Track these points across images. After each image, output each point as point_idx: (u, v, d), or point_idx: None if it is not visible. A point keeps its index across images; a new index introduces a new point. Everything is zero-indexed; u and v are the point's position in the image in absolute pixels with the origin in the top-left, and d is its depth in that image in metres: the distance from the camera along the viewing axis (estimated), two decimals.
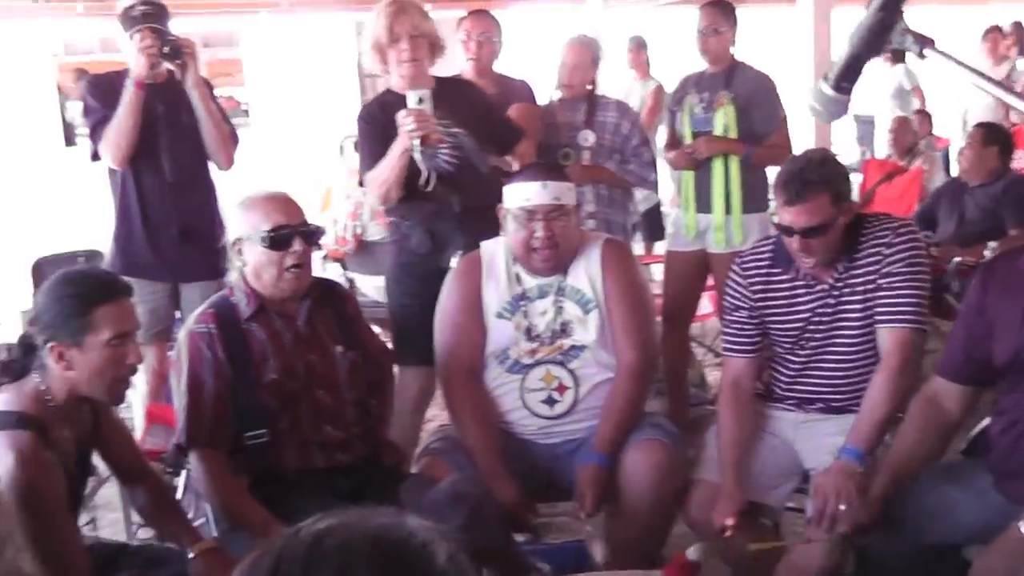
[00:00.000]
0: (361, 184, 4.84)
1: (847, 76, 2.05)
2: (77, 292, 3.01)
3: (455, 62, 5.42)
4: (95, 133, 4.92)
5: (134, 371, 3.17)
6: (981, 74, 1.87)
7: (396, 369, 4.57)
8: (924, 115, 9.90)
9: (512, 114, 5.07)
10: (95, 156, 4.96)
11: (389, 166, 4.44)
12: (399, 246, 4.74)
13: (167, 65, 4.87)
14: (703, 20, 5.56)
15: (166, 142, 4.92)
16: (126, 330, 3.04)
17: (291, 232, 3.49)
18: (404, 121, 4.37)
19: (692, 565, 3.12)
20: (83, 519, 3.29)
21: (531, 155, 5.01)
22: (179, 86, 4.90)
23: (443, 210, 4.56)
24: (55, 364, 2.98)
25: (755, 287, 3.74)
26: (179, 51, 4.82)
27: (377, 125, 4.56)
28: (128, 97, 4.79)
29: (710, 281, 5.84)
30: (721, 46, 5.56)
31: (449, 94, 4.62)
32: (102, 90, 4.98)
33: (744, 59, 5.66)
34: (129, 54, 4.82)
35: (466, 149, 4.51)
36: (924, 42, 1.87)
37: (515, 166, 4.78)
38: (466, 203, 4.22)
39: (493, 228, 4.02)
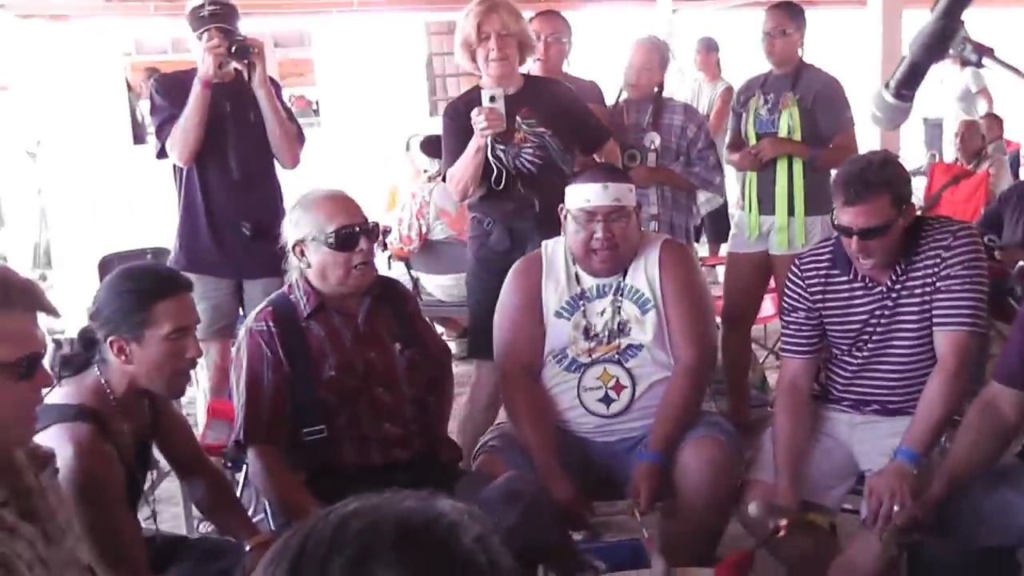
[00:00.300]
0: (443, 179, 4.90)
1: (908, 83, 2.05)
2: (137, 287, 3.06)
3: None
4: (161, 131, 4.98)
5: (193, 365, 3.23)
6: (1008, 65, 1.87)
7: (472, 365, 4.63)
8: (994, 118, 9.77)
9: None
10: (161, 153, 5.01)
11: (464, 164, 4.56)
12: (479, 242, 4.82)
13: (234, 64, 4.91)
14: (769, 22, 5.56)
15: (233, 140, 4.96)
16: (186, 325, 3.08)
17: (356, 231, 3.53)
18: (476, 120, 4.46)
19: (743, 561, 3.13)
20: (144, 513, 3.34)
21: (616, 156, 5.08)
22: (246, 85, 4.94)
23: (523, 209, 4.63)
24: (115, 358, 3.03)
25: (814, 288, 3.74)
26: (246, 51, 4.85)
27: (460, 121, 4.63)
28: (195, 96, 4.84)
29: (772, 283, 5.83)
30: (788, 48, 5.55)
31: (537, 93, 4.71)
32: (170, 88, 5.04)
33: (812, 61, 5.65)
34: (197, 53, 4.87)
35: (550, 149, 4.60)
36: (983, 51, 1.87)
37: None
38: (547, 203, 4.26)
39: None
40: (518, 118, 4.63)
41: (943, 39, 1.92)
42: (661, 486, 3.64)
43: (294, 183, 5.19)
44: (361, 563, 1.19)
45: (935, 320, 3.54)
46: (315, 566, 1.20)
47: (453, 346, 7.81)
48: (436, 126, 6.26)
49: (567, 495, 3.59)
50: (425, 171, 7.51)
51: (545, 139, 4.62)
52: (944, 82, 11.16)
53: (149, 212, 7.92)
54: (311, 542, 1.22)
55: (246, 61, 4.88)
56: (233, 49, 4.83)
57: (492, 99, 4.45)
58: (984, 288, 3.55)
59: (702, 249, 9.33)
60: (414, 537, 1.22)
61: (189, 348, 3.11)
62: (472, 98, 4.66)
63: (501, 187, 4.59)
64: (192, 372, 5.56)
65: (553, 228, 4.12)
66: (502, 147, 4.59)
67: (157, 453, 3.43)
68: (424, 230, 7.23)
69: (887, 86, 2.05)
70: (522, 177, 4.62)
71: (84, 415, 2.95)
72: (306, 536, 1.23)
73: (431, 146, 7.53)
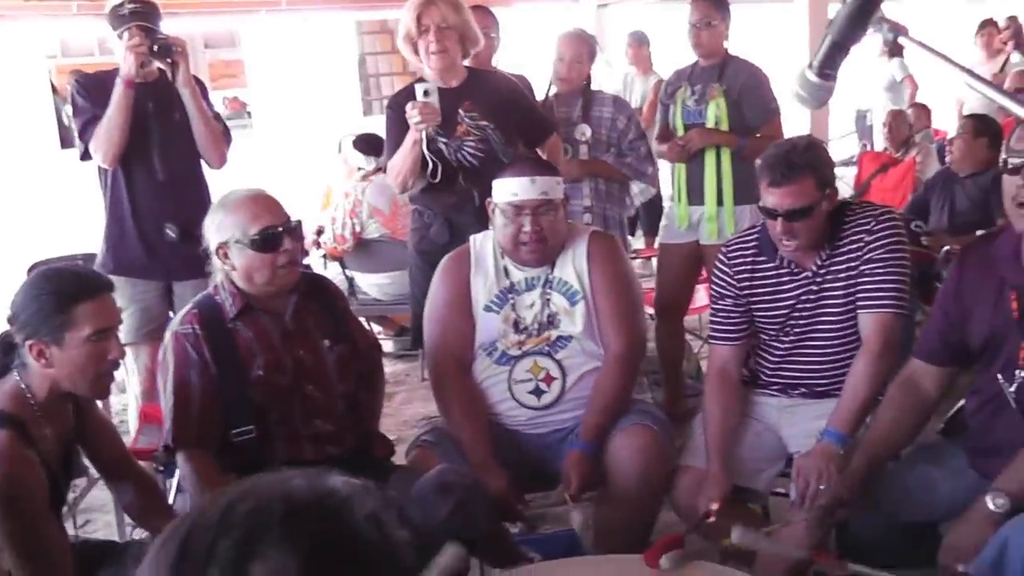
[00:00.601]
0: (383, 172, 4.91)
1: (830, 63, 2.08)
2: (56, 289, 3.02)
3: None
4: (84, 132, 4.91)
5: (116, 366, 3.19)
6: (952, 61, 1.90)
7: (408, 364, 4.61)
8: (922, 108, 9.90)
9: None
10: (85, 155, 4.94)
11: (402, 157, 4.58)
12: (420, 235, 4.82)
13: (157, 64, 4.85)
14: (695, 14, 5.58)
15: (157, 141, 4.91)
16: (107, 326, 3.05)
17: (279, 231, 3.50)
18: (411, 114, 4.47)
19: (673, 543, 3.14)
20: (79, 520, 3.30)
21: (559, 150, 5.10)
22: (170, 85, 4.89)
23: (464, 202, 4.65)
24: (35, 362, 2.99)
25: (741, 275, 3.78)
26: (169, 50, 4.80)
27: (401, 114, 4.62)
28: (118, 96, 4.78)
29: (705, 274, 5.86)
30: (713, 39, 5.58)
31: (480, 86, 4.73)
32: (91, 89, 4.97)
33: (737, 53, 5.69)
34: (119, 53, 4.82)
35: (492, 142, 4.62)
36: (899, 30, 1.90)
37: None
38: (487, 196, 4.26)
39: None
40: (460, 111, 4.65)
41: (861, 17, 1.95)
42: (592, 474, 3.66)
43: (226, 184, 5.15)
44: (249, 544, 1.16)
45: (859, 302, 3.59)
46: (202, 550, 1.17)
47: (390, 345, 7.83)
48: (370, 125, 6.27)
49: (500, 487, 3.60)
50: (360, 169, 7.48)
51: (487, 132, 4.64)
52: (872, 73, 11.29)
53: (78, 217, 7.83)
54: (199, 526, 1.20)
55: (169, 60, 4.82)
56: (155, 48, 4.77)
57: (426, 93, 4.46)
58: (906, 270, 3.60)
59: (637, 241, 9.38)
60: (303, 515, 1.19)
61: (111, 349, 3.08)
62: (412, 91, 4.65)
63: (440, 180, 4.59)
64: (123, 378, 5.53)
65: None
66: (444, 140, 4.61)
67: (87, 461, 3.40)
68: (358, 229, 7.21)
69: (810, 66, 2.08)
70: (463, 170, 4.63)
71: (3, 421, 2.92)
72: (194, 520, 1.21)
73: (365, 144, 7.52)
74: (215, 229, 3.56)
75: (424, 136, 4.50)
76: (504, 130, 4.67)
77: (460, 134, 4.62)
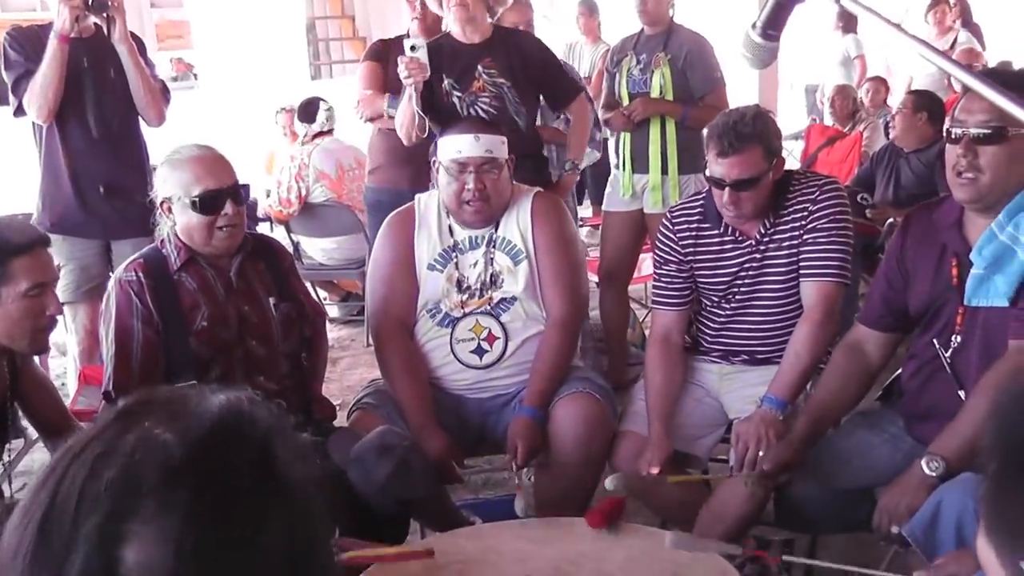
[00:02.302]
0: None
1: (773, 23, 2.08)
2: None
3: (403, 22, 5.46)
4: (17, 87, 4.83)
5: (54, 322, 3.16)
6: (902, 30, 1.90)
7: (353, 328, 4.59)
8: (882, 82, 9.94)
9: None
10: (18, 111, 4.87)
11: (400, 111, 4.63)
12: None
13: (93, 19, 4.77)
14: None
15: (92, 97, 4.85)
16: (44, 281, 3.02)
17: (221, 196, 3.48)
18: (400, 69, 4.49)
19: (614, 506, 3.17)
20: (15, 484, 3.25)
21: (586, 114, 5.13)
22: (106, 40, 4.81)
23: None
24: None
25: (685, 241, 3.78)
26: (104, 5, 4.72)
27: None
28: (51, 51, 4.70)
29: (649, 243, 5.87)
30: (659, 8, 5.56)
31: (503, 44, 4.76)
32: (24, 42, 4.88)
33: (682, 22, 5.68)
34: (53, 7, 4.75)
35: (506, 100, 4.66)
36: None
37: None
38: None
39: (519, 178, 4.12)
40: (480, 67, 4.69)
41: None
42: (538, 440, 3.66)
43: (171, 144, 5.09)
44: (115, 524, 1.03)
45: (802, 271, 3.61)
46: (65, 531, 1.04)
47: (335, 310, 7.81)
48: (318, 90, 6.23)
49: (439, 449, 3.60)
50: (305, 134, 7.44)
51: (503, 90, 4.68)
52: (825, 48, 11.35)
53: (12, 174, 7.71)
54: (60, 496, 1.05)
55: (105, 15, 4.74)
56: (91, 2, 4.69)
57: (413, 48, 4.48)
58: (849, 240, 3.62)
59: (584, 210, 9.39)
60: (175, 480, 1.05)
61: (49, 304, 3.06)
62: (431, 47, 4.71)
63: (424, 135, 4.62)
64: (63, 340, 5.47)
65: None
66: (459, 94, 4.66)
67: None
68: (303, 193, 7.17)
69: (753, 26, 2.08)
70: None
71: None
72: (56, 488, 1.07)
73: (305, 112, 7.49)
74: (161, 183, 3.55)
75: (415, 92, 4.51)
76: (521, 90, 4.71)
77: (475, 89, 4.67)
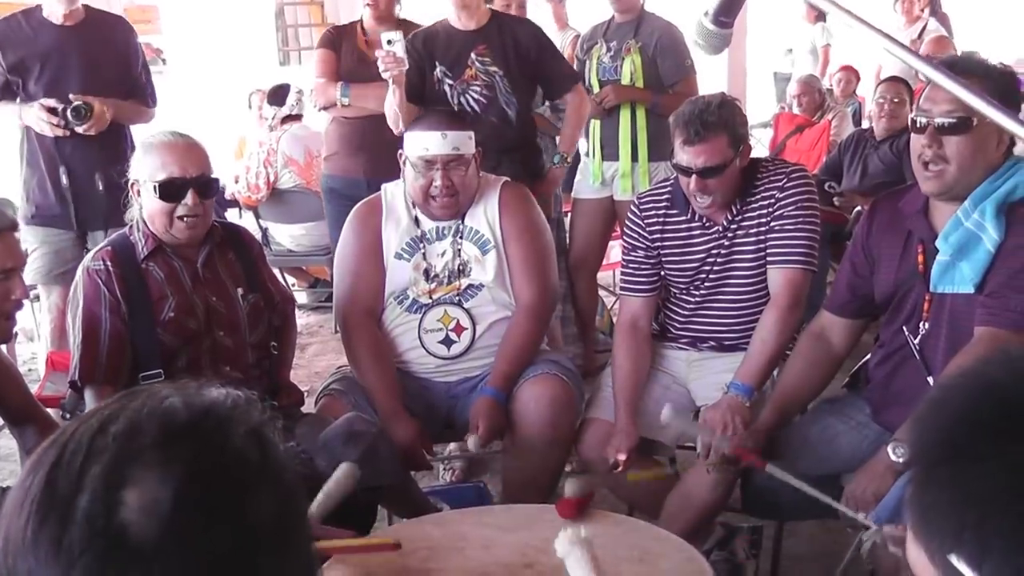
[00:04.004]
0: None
1: (726, 11, 2.08)
2: None
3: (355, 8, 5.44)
4: None
5: (20, 306, 3.14)
6: (869, 24, 1.89)
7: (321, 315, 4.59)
8: (852, 71, 9.98)
9: None
10: None
11: (388, 105, 4.61)
12: None
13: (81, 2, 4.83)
14: None
15: (77, 88, 4.83)
16: (11, 266, 3.00)
17: (183, 185, 3.46)
18: (379, 63, 4.49)
19: (585, 496, 3.17)
20: None
21: (582, 105, 5.10)
22: (94, 29, 4.83)
23: None
24: None
25: (652, 227, 3.79)
26: (80, 114, 4.77)
27: (414, 56, 4.67)
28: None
29: (619, 230, 5.88)
30: None
31: (499, 32, 4.77)
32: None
33: (653, 9, 5.69)
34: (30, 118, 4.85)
35: (497, 89, 4.68)
36: None
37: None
38: (482, 142, 4.26)
39: (501, 170, 4.23)
40: (473, 54, 4.70)
41: None
42: (499, 421, 3.67)
43: (141, 131, 5.07)
44: (119, 468, 1.09)
45: (769, 258, 3.62)
46: (71, 476, 1.09)
47: (304, 296, 7.80)
48: (286, 76, 6.19)
49: (407, 435, 3.60)
50: (273, 116, 7.40)
51: (495, 79, 4.70)
52: (795, 38, 11.39)
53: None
54: (68, 450, 1.11)
55: (85, 126, 4.79)
56: (68, 123, 4.76)
57: (389, 42, 4.46)
58: (816, 228, 3.63)
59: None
60: (178, 436, 1.12)
61: (15, 290, 3.03)
62: (427, 34, 4.81)
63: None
64: (32, 327, 5.44)
65: (486, 167, 4.19)
66: (450, 82, 4.69)
67: None
68: (272, 179, 7.15)
69: (706, 14, 2.08)
70: (464, 114, 4.66)
71: None
72: (64, 444, 1.13)
73: (275, 96, 7.45)
74: (134, 164, 3.55)
75: (398, 85, 4.50)
76: (514, 79, 4.72)
77: (467, 78, 4.69)
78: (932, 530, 1.12)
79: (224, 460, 1.14)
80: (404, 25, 5.21)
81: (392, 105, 4.57)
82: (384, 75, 4.46)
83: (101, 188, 4.87)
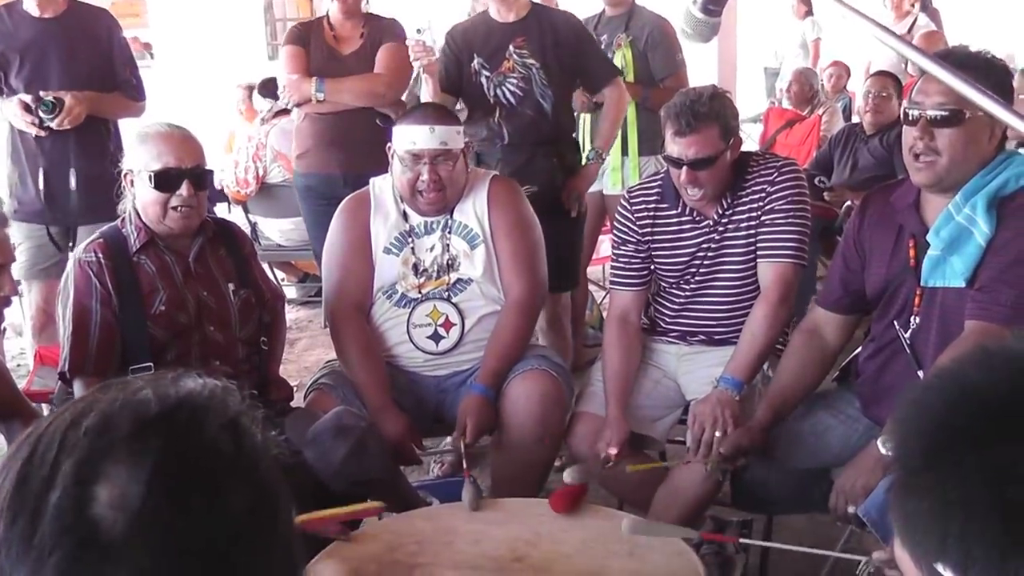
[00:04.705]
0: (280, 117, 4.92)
1: None
2: None
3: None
4: None
5: (8, 302, 3.13)
6: (859, 12, 1.88)
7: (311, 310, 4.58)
8: (843, 66, 9.98)
9: (382, 55, 5.06)
10: None
11: (424, 98, 4.66)
12: None
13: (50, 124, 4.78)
14: None
15: (57, 82, 4.79)
16: (1, 262, 2.99)
17: (179, 175, 3.45)
18: (409, 54, 4.57)
19: (579, 490, 3.17)
20: None
21: (620, 100, 5.07)
22: (76, 20, 4.80)
23: (493, 137, 4.75)
24: None
25: (643, 221, 3.78)
26: (51, 107, 4.73)
27: (452, 47, 4.78)
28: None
29: (609, 224, 5.86)
30: None
31: (538, 24, 4.77)
32: None
33: (644, 3, 5.68)
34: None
35: (533, 82, 4.69)
36: None
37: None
38: (515, 134, 4.21)
39: (534, 164, 4.35)
40: (511, 47, 4.71)
41: None
42: (488, 418, 3.66)
43: (129, 124, 5.04)
44: (90, 463, 1.08)
45: (759, 252, 3.61)
46: (43, 472, 1.09)
47: (293, 291, 7.79)
48: (274, 70, 6.15)
49: (397, 429, 3.59)
50: (270, 109, 7.36)
51: (532, 71, 4.70)
52: (783, 35, 11.39)
53: None
54: (41, 445, 1.11)
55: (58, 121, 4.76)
56: (43, 122, 4.74)
57: (418, 31, 4.50)
58: (807, 222, 3.63)
59: None
60: (150, 428, 1.10)
61: (4, 286, 3.03)
62: (466, 26, 4.87)
63: (475, 114, 4.74)
64: (20, 322, 5.42)
65: (516, 161, 4.33)
66: (487, 73, 4.71)
67: None
68: (261, 173, 7.14)
69: (695, 2, 2.08)
70: (500, 107, 4.71)
71: None
72: (37, 439, 1.12)
73: (265, 88, 7.43)
74: (128, 154, 3.56)
75: (430, 75, 4.57)
76: (551, 72, 4.72)
77: (504, 70, 4.71)
78: (916, 539, 1.12)
79: (196, 453, 1.12)
80: (371, 19, 5.21)
81: (427, 94, 4.59)
82: (415, 65, 4.51)
83: (73, 186, 4.85)
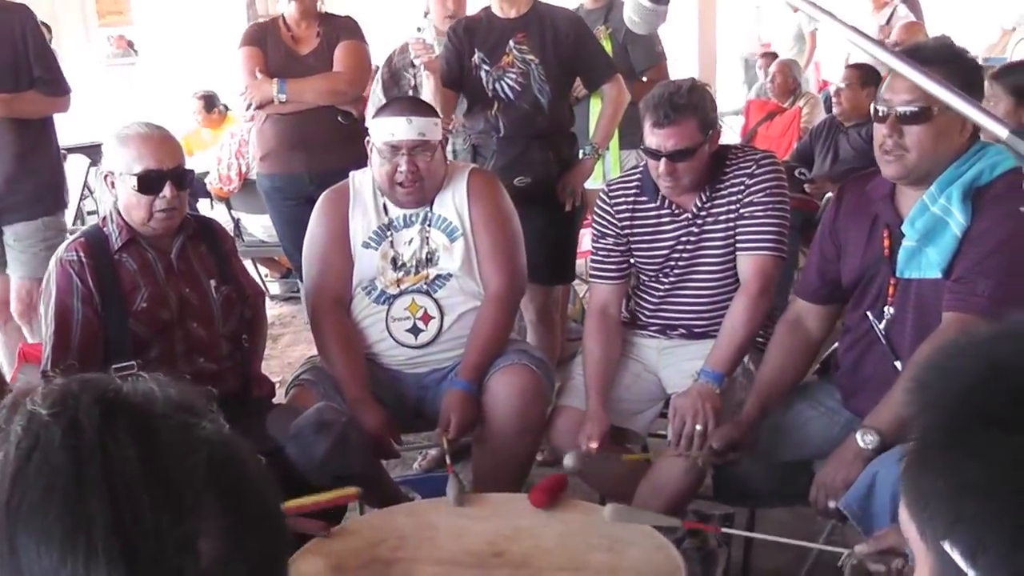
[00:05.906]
0: None
1: None
2: None
3: None
4: None
5: None
6: (834, 16, 1.88)
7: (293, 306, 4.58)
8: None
9: (340, 53, 5.10)
10: None
11: (426, 95, 4.65)
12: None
13: None
14: None
15: None
16: None
17: (162, 177, 3.47)
18: (409, 52, 4.65)
19: (558, 485, 3.17)
20: None
21: (619, 98, 5.07)
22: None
23: (490, 131, 4.76)
24: None
25: (622, 214, 3.79)
26: None
27: (455, 43, 4.79)
28: None
29: (589, 218, 5.85)
30: None
31: (539, 20, 4.80)
32: None
33: None
34: None
35: (531, 77, 4.71)
36: None
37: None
38: (511, 127, 4.20)
39: (529, 155, 4.41)
40: (511, 42, 4.73)
41: None
42: (472, 414, 3.67)
43: (113, 122, 4.99)
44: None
45: (739, 245, 3.62)
46: None
47: (276, 287, 7.78)
48: None
49: (375, 422, 3.60)
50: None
51: (531, 67, 4.71)
52: (781, 22, 11.39)
53: None
54: None
55: None
56: None
57: (418, 29, 4.55)
58: (786, 214, 3.63)
59: None
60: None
61: None
62: (469, 21, 4.87)
63: (474, 107, 4.78)
64: None
65: (513, 156, 4.38)
66: (487, 67, 4.73)
67: None
68: (244, 170, 7.13)
69: None
70: (498, 101, 4.73)
71: None
72: None
73: (208, 102, 7.41)
74: (107, 156, 3.56)
75: (432, 72, 4.60)
76: (550, 68, 4.74)
77: (504, 64, 4.72)
78: (926, 515, 1.10)
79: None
80: (327, 18, 5.22)
81: (429, 91, 4.61)
82: (416, 62, 4.55)
83: None
